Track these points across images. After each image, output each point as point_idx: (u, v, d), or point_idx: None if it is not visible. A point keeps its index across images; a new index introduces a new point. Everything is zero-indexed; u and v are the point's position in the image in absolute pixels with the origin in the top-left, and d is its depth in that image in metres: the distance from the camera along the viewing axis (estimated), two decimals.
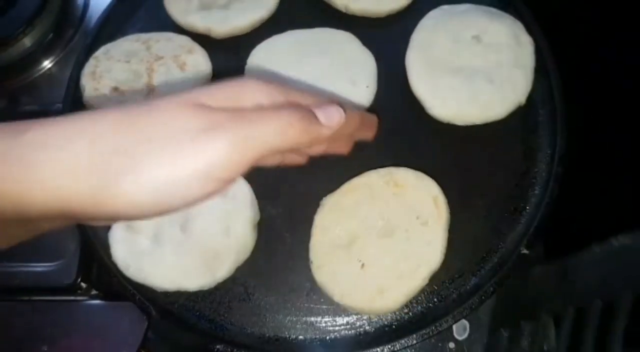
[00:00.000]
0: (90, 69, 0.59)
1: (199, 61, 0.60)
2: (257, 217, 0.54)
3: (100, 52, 0.61)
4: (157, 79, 0.58)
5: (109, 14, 0.66)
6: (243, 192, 0.54)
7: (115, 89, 0.57)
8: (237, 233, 0.52)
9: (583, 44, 0.63)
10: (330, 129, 0.34)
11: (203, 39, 0.62)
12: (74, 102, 0.60)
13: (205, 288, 0.52)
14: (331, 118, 0.34)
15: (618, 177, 0.58)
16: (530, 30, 0.61)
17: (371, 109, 0.58)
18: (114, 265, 0.53)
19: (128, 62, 0.59)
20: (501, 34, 0.60)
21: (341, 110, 0.35)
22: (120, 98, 0.57)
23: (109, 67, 0.59)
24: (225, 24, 0.61)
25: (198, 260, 0.51)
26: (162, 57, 0.59)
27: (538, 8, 0.63)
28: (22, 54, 0.71)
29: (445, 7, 0.62)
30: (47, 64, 0.74)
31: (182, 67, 0.58)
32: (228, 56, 0.62)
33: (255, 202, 0.54)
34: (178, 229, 0.53)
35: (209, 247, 0.52)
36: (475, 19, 0.60)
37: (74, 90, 0.60)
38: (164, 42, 0.60)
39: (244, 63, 0.60)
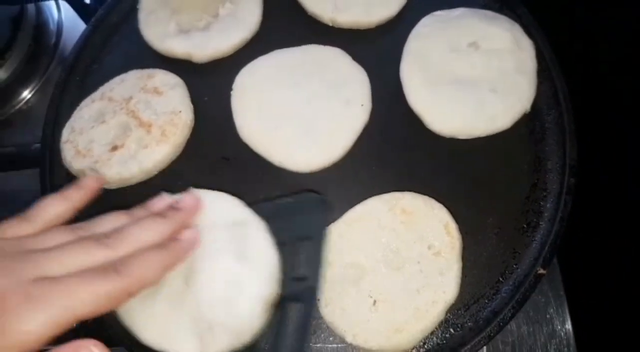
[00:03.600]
0: (71, 153, 0.53)
1: (167, 79, 0.56)
2: (274, 295, 0.43)
3: (66, 135, 0.55)
4: (145, 114, 0.54)
5: (84, 43, 0.62)
6: (265, 256, 0.43)
7: (115, 147, 0.52)
8: (241, 310, 0.41)
9: (586, 42, 0.60)
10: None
11: (183, 65, 0.59)
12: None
13: None
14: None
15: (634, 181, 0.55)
16: (529, 32, 0.57)
17: (368, 128, 0.55)
18: None
19: (104, 122, 0.54)
20: (500, 39, 0.56)
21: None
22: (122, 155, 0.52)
23: (89, 138, 0.54)
24: (207, 47, 0.58)
25: (190, 325, 0.41)
26: (130, 97, 0.55)
27: (535, 6, 0.60)
28: None
29: (438, 13, 0.59)
30: (26, 94, 0.72)
31: (156, 91, 0.54)
32: (212, 81, 0.58)
33: (276, 271, 0.43)
34: (181, 280, 0.42)
35: (204, 315, 0.41)
36: (471, 25, 0.57)
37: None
38: (118, 87, 0.56)
39: (229, 88, 0.56)
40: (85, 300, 0.34)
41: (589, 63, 0.60)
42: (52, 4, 0.74)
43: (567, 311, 0.57)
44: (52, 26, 0.74)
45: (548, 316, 0.58)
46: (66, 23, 0.74)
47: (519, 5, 0.60)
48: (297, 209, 0.47)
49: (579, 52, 0.60)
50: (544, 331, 0.57)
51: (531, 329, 0.57)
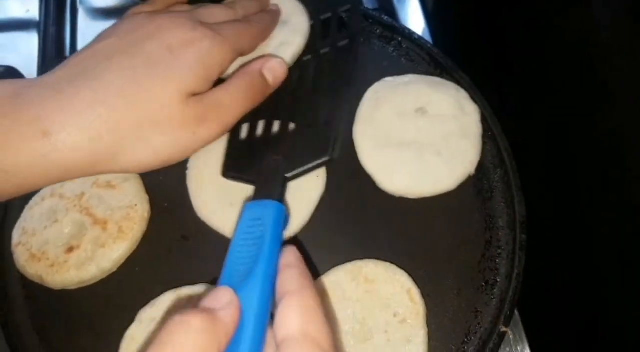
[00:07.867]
0: (24, 257, 0.50)
1: None
2: None
3: (17, 237, 0.52)
4: (100, 211, 0.52)
5: None
6: None
7: (71, 249, 0.50)
8: None
9: (526, 104, 0.64)
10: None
11: None
12: None
13: None
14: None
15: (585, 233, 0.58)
16: (474, 98, 0.61)
17: (325, 196, 0.56)
18: None
19: (57, 221, 0.51)
20: (446, 105, 0.59)
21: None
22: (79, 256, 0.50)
23: (43, 239, 0.51)
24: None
25: None
26: (83, 193, 0.53)
27: (476, 71, 0.63)
28: None
29: (388, 79, 0.61)
30: None
31: (109, 185, 0.53)
32: None
33: None
34: None
35: None
36: (418, 91, 0.60)
37: None
38: (68, 182, 0.53)
39: (184, 167, 0.56)
40: (248, 40, 0.51)
41: (531, 121, 0.64)
42: None
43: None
44: None
45: (508, 349, 0.61)
46: None
47: (456, 70, 0.63)
48: None
49: (522, 114, 0.64)
50: None
51: None
